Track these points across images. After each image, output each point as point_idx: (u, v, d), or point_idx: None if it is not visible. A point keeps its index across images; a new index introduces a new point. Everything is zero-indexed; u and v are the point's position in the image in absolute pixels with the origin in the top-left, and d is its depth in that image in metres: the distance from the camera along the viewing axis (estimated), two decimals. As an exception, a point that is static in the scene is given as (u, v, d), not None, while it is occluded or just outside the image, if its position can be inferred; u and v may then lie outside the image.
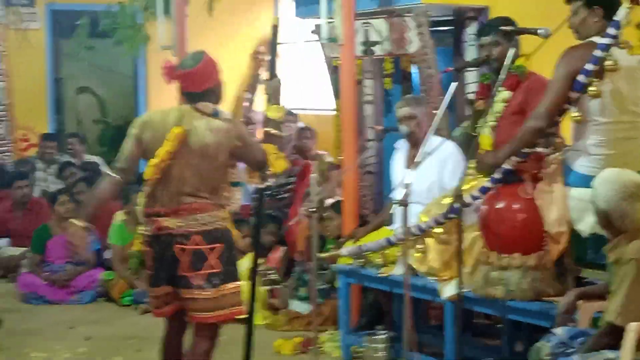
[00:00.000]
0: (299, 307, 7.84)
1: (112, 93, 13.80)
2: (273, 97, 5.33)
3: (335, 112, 8.55)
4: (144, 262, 5.28)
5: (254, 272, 5.48)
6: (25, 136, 11.96)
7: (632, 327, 4.13)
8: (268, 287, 8.02)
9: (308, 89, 11.98)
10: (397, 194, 6.10)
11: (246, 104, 11.92)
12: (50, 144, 11.21)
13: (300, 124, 10.48)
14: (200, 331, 5.17)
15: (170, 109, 5.28)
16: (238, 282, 5.18)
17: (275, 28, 5.50)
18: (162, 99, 11.47)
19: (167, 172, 5.08)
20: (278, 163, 5.24)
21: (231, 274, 5.13)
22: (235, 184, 5.49)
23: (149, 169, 5.10)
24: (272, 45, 5.55)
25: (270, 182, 5.35)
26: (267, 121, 5.33)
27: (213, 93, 5.20)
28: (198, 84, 5.14)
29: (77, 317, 8.13)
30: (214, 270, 5.05)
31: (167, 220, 5.05)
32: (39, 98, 12.24)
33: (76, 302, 8.76)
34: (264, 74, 11.89)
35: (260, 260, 8.28)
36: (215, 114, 5.12)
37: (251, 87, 11.88)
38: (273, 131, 5.29)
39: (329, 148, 9.40)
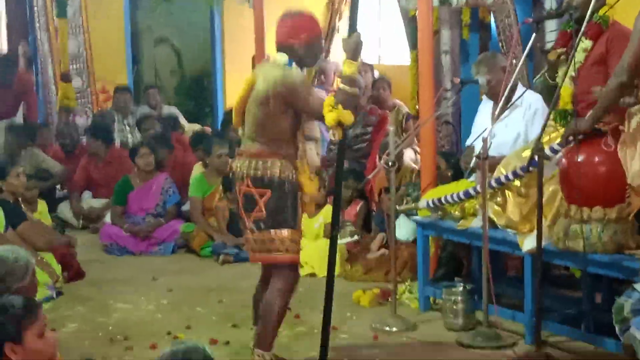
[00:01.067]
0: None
1: (188, 44, 13.88)
2: (351, 53, 5.30)
3: (410, 63, 8.51)
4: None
5: (334, 227, 5.51)
6: (104, 88, 12.10)
7: None
8: (346, 240, 8.05)
9: (383, 39, 11.94)
10: (478, 147, 6.08)
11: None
12: (123, 96, 11.32)
13: (376, 74, 10.44)
14: (274, 271, 5.36)
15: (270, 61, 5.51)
16: (286, 231, 5.28)
17: None
18: (238, 50, 11.55)
19: (243, 115, 5.38)
20: (329, 116, 5.17)
21: (279, 222, 5.27)
22: (309, 138, 5.51)
23: (233, 114, 5.44)
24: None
25: (335, 137, 5.41)
26: (341, 76, 5.33)
27: (293, 50, 5.29)
28: (281, 36, 5.32)
29: (159, 269, 8.26)
30: (260, 215, 5.25)
31: (234, 161, 5.37)
32: (117, 50, 12.36)
33: (157, 254, 8.91)
34: (338, 23, 11.88)
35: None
36: (285, 65, 5.26)
37: (326, 37, 11.84)
38: (344, 87, 5.28)
39: (405, 99, 9.35)
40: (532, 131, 6.30)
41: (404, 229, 7.60)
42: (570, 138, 5.51)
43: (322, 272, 6.65)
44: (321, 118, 5.26)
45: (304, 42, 5.30)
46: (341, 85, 5.24)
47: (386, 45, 11.89)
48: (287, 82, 5.18)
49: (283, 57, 5.28)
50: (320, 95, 5.46)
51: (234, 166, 5.36)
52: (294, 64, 5.32)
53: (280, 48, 5.32)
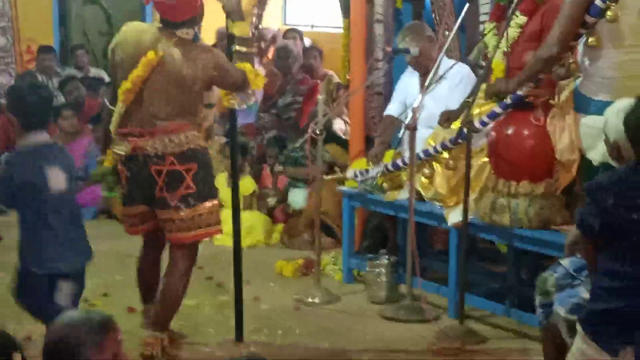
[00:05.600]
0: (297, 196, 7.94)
1: (119, 5, 13.60)
2: (235, 13, 5.18)
3: (343, 31, 8.38)
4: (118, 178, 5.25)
5: (234, 193, 5.48)
6: (30, 48, 11.76)
7: None
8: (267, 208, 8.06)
9: (316, 6, 11.80)
10: (407, 118, 5.99)
11: (254, 19, 11.74)
12: (47, 57, 10.95)
13: (307, 43, 10.30)
14: (178, 250, 5.15)
15: (148, 28, 5.19)
16: (215, 201, 5.17)
17: None
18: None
19: (139, 94, 5.04)
20: (257, 80, 5.13)
21: (207, 193, 5.12)
22: (209, 106, 5.52)
23: (122, 94, 5.04)
24: None
25: (252, 102, 5.25)
26: (234, 39, 5.19)
27: (194, 21, 5.10)
28: (178, 14, 5.03)
29: (79, 234, 8.05)
30: (190, 191, 5.04)
31: (142, 141, 5.02)
32: (44, 10, 12.02)
33: (78, 218, 8.69)
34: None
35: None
36: (195, 40, 5.07)
37: (259, 3, 11.67)
38: (241, 49, 5.16)
39: (337, 67, 9.22)
40: (454, 98, 6.18)
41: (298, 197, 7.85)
42: (497, 109, 5.44)
43: (245, 242, 6.55)
44: (243, 87, 5.15)
45: (200, 9, 5.12)
46: (238, 48, 5.13)
47: (319, 12, 11.75)
48: (218, 65, 5.04)
49: (189, 32, 5.04)
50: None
51: (144, 147, 5.00)
52: (199, 37, 5.14)
53: (180, 25, 5.03)
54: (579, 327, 3.75)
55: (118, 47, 5.16)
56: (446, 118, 5.92)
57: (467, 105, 5.56)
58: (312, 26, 11.64)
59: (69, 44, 12.72)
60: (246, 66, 5.12)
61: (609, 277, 3.66)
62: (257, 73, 5.17)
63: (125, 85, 5.01)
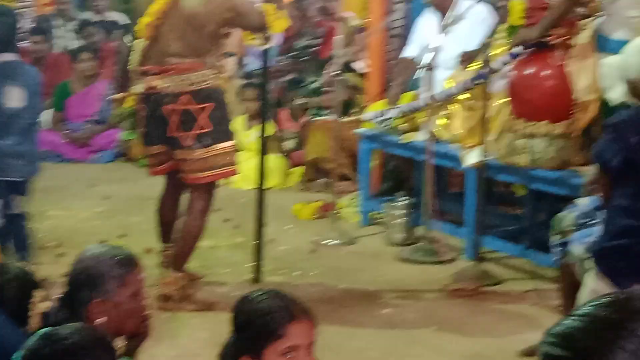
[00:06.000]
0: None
1: (136, -53, 13.51)
2: None
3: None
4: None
5: (262, 137, 5.47)
6: (47, -9, 11.71)
7: None
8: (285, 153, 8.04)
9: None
10: (425, 59, 5.94)
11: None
12: (64, 0, 10.94)
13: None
14: (195, 191, 5.13)
15: None
16: (231, 142, 5.13)
17: None
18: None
19: (157, 31, 5.02)
20: (278, 23, 5.10)
21: (223, 134, 5.07)
22: (228, 54, 5.46)
23: (141, 28, 5.04)
24: None
25: (273, 43, 5.20)
26: None
27: None
28: None
29: (97, 176, 8.09)
30: (204, 130, 4.99)
31: (156, 79, 5.00)
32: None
33: (95, 161, 8.72)
34: None
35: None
36: None
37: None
38: None
39: (355, 9, 9.15)
40: (473, 39, 6.12)
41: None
42: (517, 49, 5.37)
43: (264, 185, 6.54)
44: (262, 29, 5.12)
45: None
46: None
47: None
48: (234, 8, 4.99)
49: None
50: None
51: (158, 85, 4.98)
52: None
53: None
54: (591, 264, 3.73)
55: None
56: (465, 59, 5.87)
57: (486, 45, 5.53)
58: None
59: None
60: (267, 7, 5.07)
61: (623, 214, 3.62)
62: (277, 16, 5.11)
63: (145, 20, 5.01)
